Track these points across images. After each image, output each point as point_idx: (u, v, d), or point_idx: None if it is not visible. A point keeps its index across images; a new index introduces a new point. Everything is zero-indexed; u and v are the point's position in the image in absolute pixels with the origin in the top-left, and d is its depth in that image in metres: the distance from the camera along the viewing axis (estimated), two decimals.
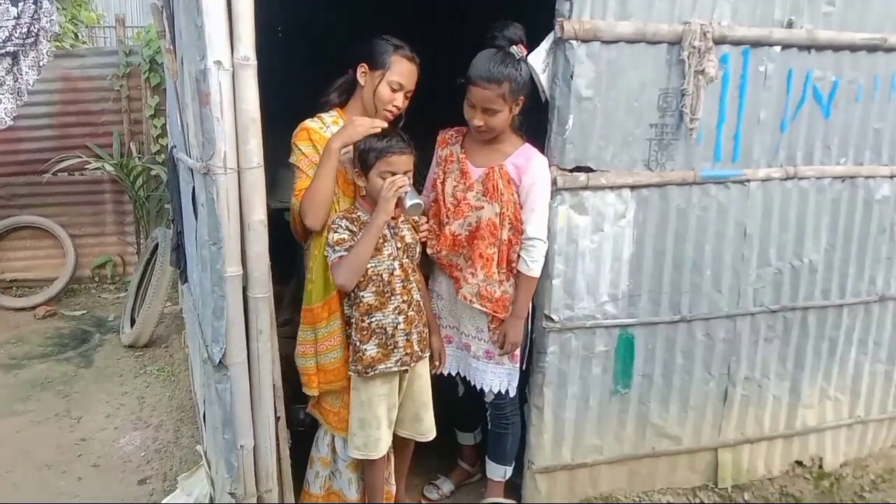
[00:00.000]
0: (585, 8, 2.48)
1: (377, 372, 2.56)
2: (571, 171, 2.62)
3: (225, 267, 2.36)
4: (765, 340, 3.07)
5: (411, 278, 2.60)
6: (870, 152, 3.02)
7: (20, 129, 5.53)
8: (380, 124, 2.49)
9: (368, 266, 2.50)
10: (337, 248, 2.47)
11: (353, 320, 2.57)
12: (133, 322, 4.93)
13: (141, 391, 4.22)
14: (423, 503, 3.13)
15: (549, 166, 2.62)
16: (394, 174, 2.45)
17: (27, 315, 5.59)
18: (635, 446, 3.03)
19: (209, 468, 3.03)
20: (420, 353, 2.66)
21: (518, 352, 2.74)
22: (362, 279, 2.51)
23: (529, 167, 2.61)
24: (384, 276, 2.53)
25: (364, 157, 2.49)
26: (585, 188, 2.64)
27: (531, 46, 2.56)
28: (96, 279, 6.26)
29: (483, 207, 2.62)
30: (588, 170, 2.64)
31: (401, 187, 2.42)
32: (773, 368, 3.12)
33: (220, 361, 2.48)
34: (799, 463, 3.33)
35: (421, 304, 2.66)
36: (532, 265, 2.62)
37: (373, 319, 2.54)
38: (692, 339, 2.96)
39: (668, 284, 2.86)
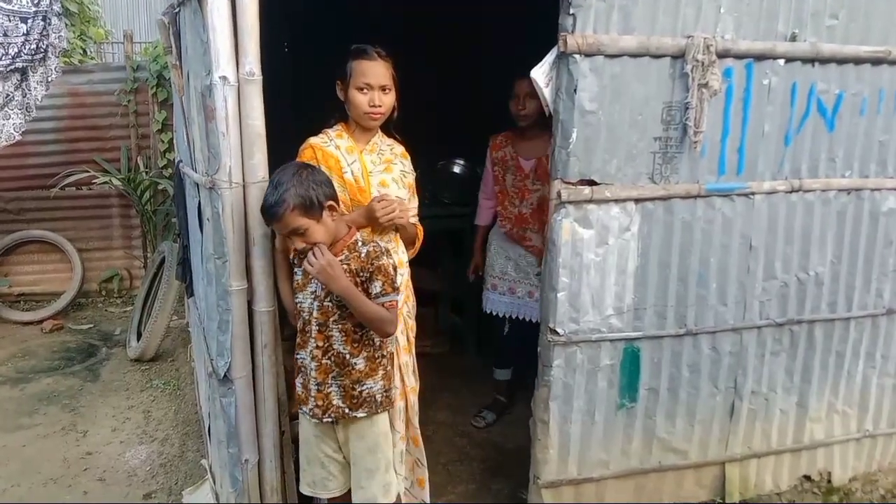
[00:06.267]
0: (588, 22, 2.48)
1: (303, 412, 2.45)
2: (576, 184, 2.62)
3: (230, 281, 2.38)
4: (771, 354, 3.05)
5: (331, 325, 2.34)
6: (875, 165, 3.01)
7: (28, 143, 5.58)
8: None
9: (296, 298, 2.41)
10: None
11: None
12: (139, 336, 4.94)
13: (147, 405, 4.23)
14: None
15: (553, 180, 2.63)
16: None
17: (34, 329, 5.62)
18: (642, 461, 3.01)
19: (214, 482, 3.03)
20: (346, 412, 2.36)
21: None
22: (296, 310, 2.43)
23: None
24: (304, 314, 2.39)
25: None
26: (590, 201, 2.64)
27: (536, 60, 2.58)
28: (103, 293, 6.29)
29: (540, 189, 3.52)
30: (592, 183, 2.63)
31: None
32: (780, 382, 3.11)
33: (224, 375, 2.48)
34: (807, 477, 3.31)
35: (348, 359, 2.35)
36: None
37: (299, 356, 2.42)
38: (698, 352, 2.95)
39: (674, 297, 2.85)
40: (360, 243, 2.37)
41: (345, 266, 2.31)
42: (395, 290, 2.35)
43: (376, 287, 2.31)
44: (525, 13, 3.86)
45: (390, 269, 2.33)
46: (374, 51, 2.59)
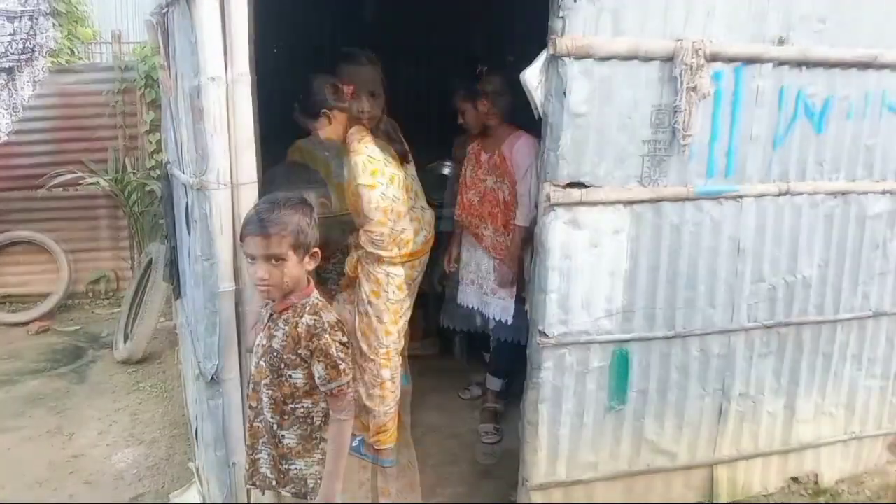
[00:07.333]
0: (578, 25, 2.49)
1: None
2: (565, 186, 2.62)
3: (218, 282, 2.37)
4: (759, 356, 3.07)
5: (262, 388, 2.16)
6: (862, 168, 3.03)
7: (16, 144, 5.52)
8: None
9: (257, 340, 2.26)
10: None
11: None
12: (127, 338, 4.91)
13: (134, 407, 4.20)
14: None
15: (543, 182, 2.63)
16: (252, 258, 2.10)
17: (21, 331, 5.57)
18: (631, 463, 3.01)
19: (201, 485, 3.01)
20: (272, 482, 2.18)
21: (513, 287, 3.53)
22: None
23: (514, 145, 3.49)
24: (252, 368, 2.25)
25: None
26: (580, 204, 2.64)
27: (526, 62, 2.58)
28: (91, 294, 6.24)
29: (486, 179, 3.63)
30: (582, 185, 2.64)
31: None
32: (768, 384, 3.12)
33: (212, 377, 2.47)
34: (795, 479, 3.32)
35: (275, 430, 2.15)
36: (519, 216, 3.42)
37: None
38: (687, 354, 2.95)
39: (663, 300, 2.86)
40: (307, 309, 2.12)
41: (282, 327, 2.13)
42: (341, 372, 2.07)
43: (318, 372, 2.08)
44: (524, 20, 3.86)
45: (332, 349, 2.06)
46: (362, 56, 2.59)
